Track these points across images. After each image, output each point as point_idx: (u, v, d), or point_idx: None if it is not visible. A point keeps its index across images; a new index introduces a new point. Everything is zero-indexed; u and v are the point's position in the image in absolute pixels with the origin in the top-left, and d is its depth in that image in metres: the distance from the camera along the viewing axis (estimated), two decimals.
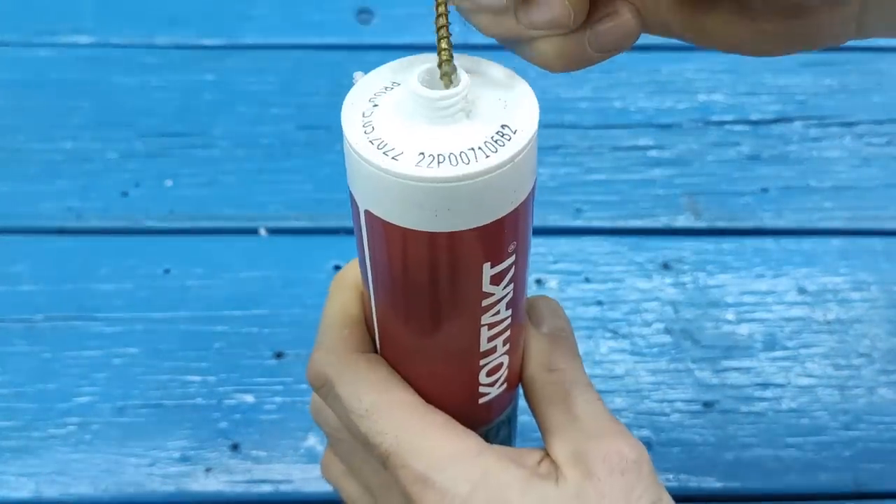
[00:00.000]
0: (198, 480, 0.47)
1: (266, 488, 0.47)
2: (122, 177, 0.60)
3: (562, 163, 0.62)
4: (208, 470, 0.47)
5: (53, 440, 0.48)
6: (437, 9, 0.26)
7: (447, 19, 0.26)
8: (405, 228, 0.26)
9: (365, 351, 0.32)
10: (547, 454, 0.31)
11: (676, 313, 0.54)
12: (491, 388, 0.32)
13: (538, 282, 0.55)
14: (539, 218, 0.58)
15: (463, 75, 0.26)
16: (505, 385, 0.32)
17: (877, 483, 0.47)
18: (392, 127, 0.26)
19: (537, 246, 0.57)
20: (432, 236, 0.26)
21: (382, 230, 0.27)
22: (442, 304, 0.28)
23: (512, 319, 0.30)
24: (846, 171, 0.61)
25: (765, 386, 0.50)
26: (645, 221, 0.58)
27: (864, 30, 0.27)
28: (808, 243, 0.57)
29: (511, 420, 0.36)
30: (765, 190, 0.60)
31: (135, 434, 0.48)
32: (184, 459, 0.47)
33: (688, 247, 0.57)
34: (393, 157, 0.25)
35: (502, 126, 0.26)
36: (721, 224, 0.58)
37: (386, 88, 0.27)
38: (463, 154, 0.25)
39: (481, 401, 0.32)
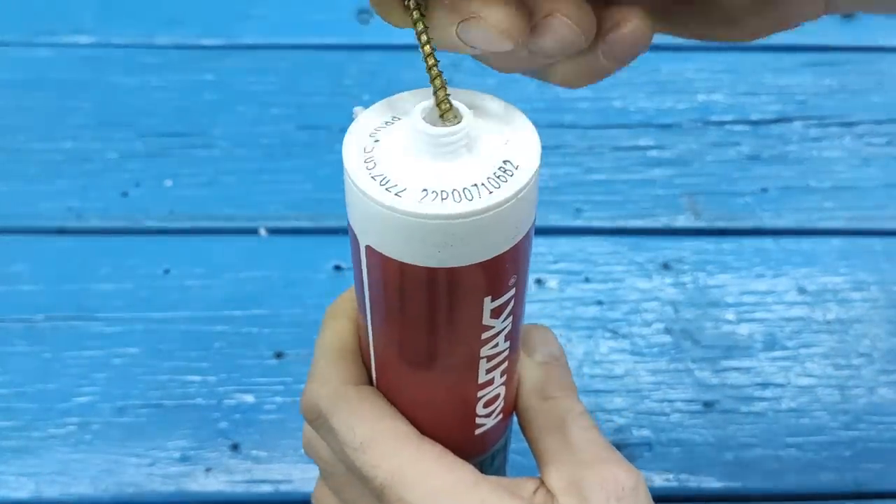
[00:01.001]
0: (198, 480, 0.47)
1: (266, 488, 0.47)
2: (122, 177, 0.60)
3: (562, 163, 0.62)
4: (208, 470, 0.47)
5: (53, 440, 0.48)
6: (425, 58, 0.26)
7: (436, 59, 0.26)
8: (407, 264, 0.26)
9: (360, 383, 0.32)
10: (542, 483, 0.31)
11: (676, 313, 0.54)
12: (487, 420, 0.32)
13: (538, 282, 0.55)
14: (539, 218, 0.58)
15: (465, 111, 0.26)
16: (501, 415, 0.32)
17: (877, 483, 0.47)
18: (394, 163, 0.26)
19: (537, 246, 0.57)
20: (434, 272, 0.26)
21: (383, 266, 0.27)
22: (442, 338, 0.28)
23: (509, 351, 0.30)
24: (846, 171, 0.61)
25: (765, 386, 0.50)
26: (645, 221, 0.58)
27: (830, 7, 0.27)
28: (808, 243, 0.57)
29: (506, 448, 0.36)
30: (764, 190, 0.60)
31: (135, 434, 0.48)
32: (184, 459, 0.47)
33: (688, 247, 0.57)
34: (396, 194, 0.25)
35: (504, 162, 0.26)
36: (721, 224, 0.58)
37: (386, 123, 0.27)
38: (466, 190, 0.25)
39: (477, 432, 0.32)
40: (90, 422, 0.48)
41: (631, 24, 0.26)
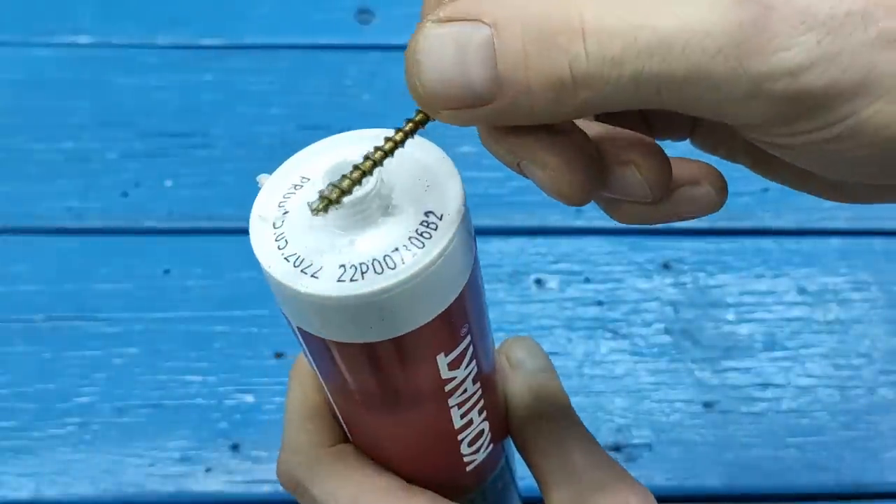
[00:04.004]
0: (198, 480, 0.47)
1: (266, 488, 0.47)
2: (122, 177, 0.60)
3: None
4: (208, 470, 0.47)
5: (53, 440, 0.48)
6: (382, 150, 0.22)
7: (382, 157, 0.22)
8: (343, 343, 0.24)
9: (333, 443, 0.30)
10: None
11: (676, 313, 0.54)
12: (476, 455, 0.30)
13: (538, 282, 0.55)
14: (539, 218, 0.58)
15: (373, 171, 0.23)
16: (491, 446, 0.30)
17: (877, 483, 0.47)
18: (306, 238, 0.23)
19: (538, 246, 0.57)
20: (374, 346, 0.24)
21: (321, 346, 0.24)
22: (403, 401, 0.26)
23: (482, 389, 0.28)
24: None
25: (765, 386, 0.50)
26: None
27: None
28: (808, 243, 0.57)
29: (509, 463, 0.33)
30: (765, 190, 0.60)
31: (135, 434, 0.48)
32: (184, 459, 0.47)
33: (688, 247, 0.57)
34: (312, 275, 0.23)
35: (426, 214, 0.23)
36: (721, 224, 0.58)
37: (295, 186, 0.25)
38: (388, 258, 0.22)
39: (469, 468, 0.30)
40: (90, 422, 0.48)
41: (702, 189, 0.25)
